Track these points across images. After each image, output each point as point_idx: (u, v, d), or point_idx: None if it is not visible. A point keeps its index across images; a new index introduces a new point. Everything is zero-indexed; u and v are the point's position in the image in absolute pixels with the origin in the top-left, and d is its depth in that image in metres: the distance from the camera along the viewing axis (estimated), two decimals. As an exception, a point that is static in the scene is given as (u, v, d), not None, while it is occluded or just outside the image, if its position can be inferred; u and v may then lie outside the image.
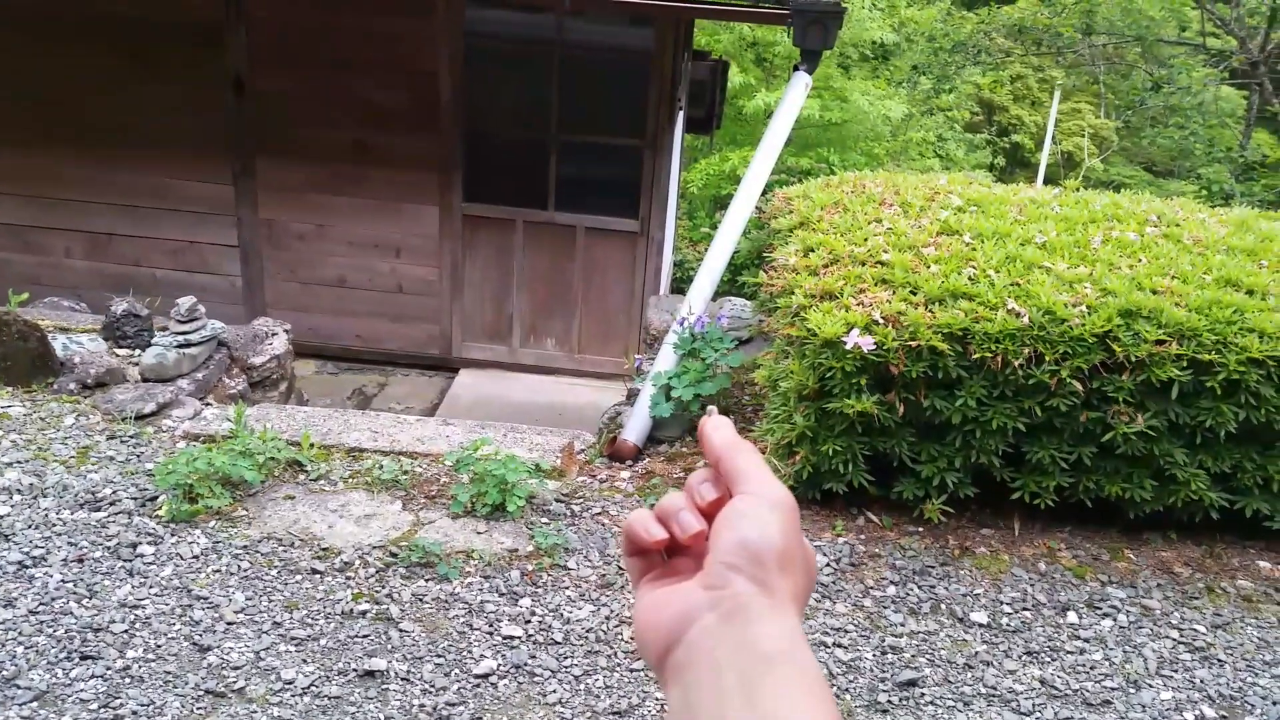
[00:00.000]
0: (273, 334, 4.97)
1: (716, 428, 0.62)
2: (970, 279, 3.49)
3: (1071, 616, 3.24)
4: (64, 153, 6.10)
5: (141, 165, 6.10)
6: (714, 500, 0.59)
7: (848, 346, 3.23)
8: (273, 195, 6.17)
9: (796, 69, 4.80)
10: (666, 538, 0.60)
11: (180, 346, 4.41)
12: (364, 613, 3.06)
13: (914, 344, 3.23)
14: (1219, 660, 3.09)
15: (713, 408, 0.68)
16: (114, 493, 3.55)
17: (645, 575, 0.62)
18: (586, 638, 3.02)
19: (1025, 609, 3.27)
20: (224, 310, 5.81)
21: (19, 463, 3.69)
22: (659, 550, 0.62)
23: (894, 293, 3.45)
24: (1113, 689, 2.94)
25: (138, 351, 4.54)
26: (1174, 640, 3.16)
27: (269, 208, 6.20)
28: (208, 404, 4.37)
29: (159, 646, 2.85)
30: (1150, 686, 2.96)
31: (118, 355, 4.52)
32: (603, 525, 3.61)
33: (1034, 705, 2.87)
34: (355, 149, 6.04)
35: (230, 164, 6.10)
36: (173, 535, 3.35)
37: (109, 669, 2.75)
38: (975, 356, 3.25)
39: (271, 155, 6.07)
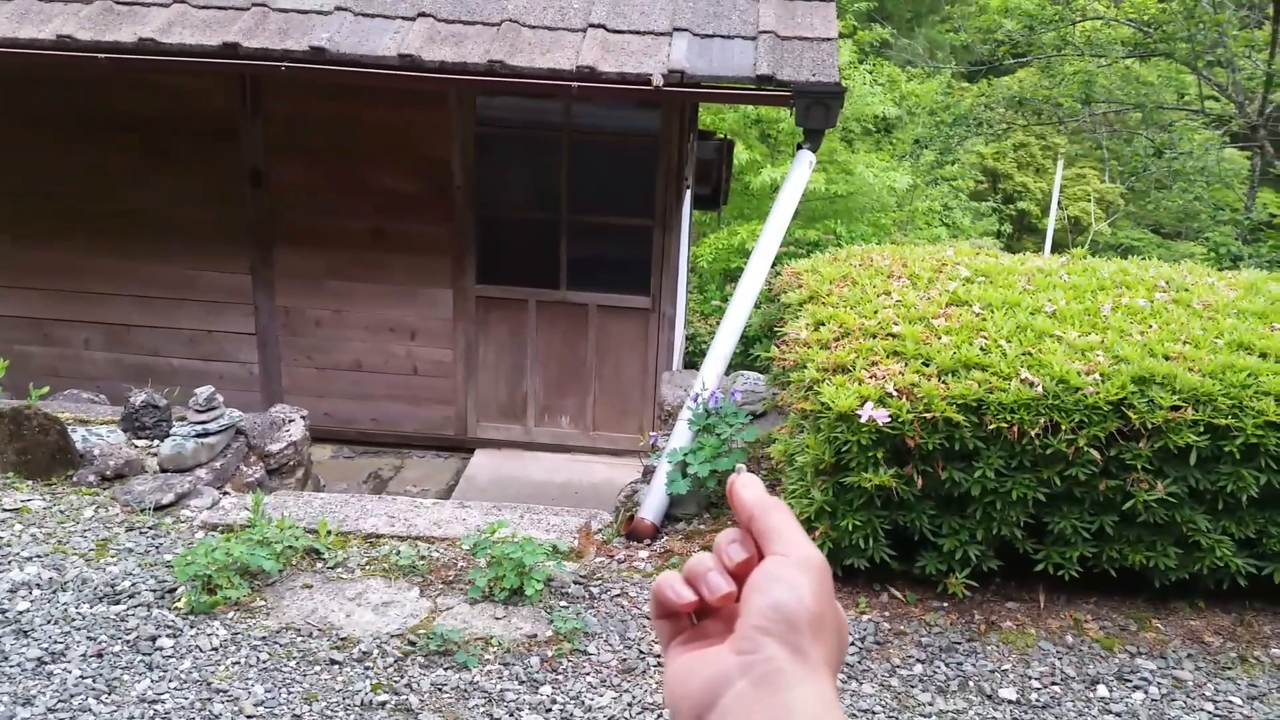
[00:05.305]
0: (290, 420, 5.00)
1: (747, 485, 0.62)
2: (982, 349, 3.50)
3: (1102, 690, 3.18)
4: (83, 246, 6.22)
5: (160, 257, 6.21)
6: (743, 561, 0.59)
7: (863, 420, 3.23)
8: (290, 283, 6.26)
9: (800, 148, 4.88)
10: (695, 600, 0.59)
11: (198, 436, 4.44)
12: (383, 703, 3.02)
13: (929, 415, 3.23)
14: (1256, 733, 3.02)
15: (742, 465, 0.68)
16: (133, 585, 3.55)
17: (675, 637, 0.61)
18: (609, 724, 2.98)
19: (1054, 683, 3.21)
20: (241, 397, 5.86)
21: (39, 556, 3.69)
22: (688, 612, 0.61)
23: (906, 364, 3.46)
24: (1148, 765, 2.88)
25: (156, 442, 4.57)
26: (1209, 713, 3.09)
27: (286, 295, 6.28)
28: (226, 493, 4.38)
29: (177, 742, 2.82)
30: (1187, 762, 2.89)
31: (136, 446, 4.55)
32: (622, 607, 3.58)
33: (1068, 784, 2.80)
34: (370, 236, 6.14)
35: (248, 253, 6.20)
36: (192, 627, 3.34)
37: (127, 767, 2.72)
38: (991, 427, 3.24)
39: (288, 244, 6.17)
